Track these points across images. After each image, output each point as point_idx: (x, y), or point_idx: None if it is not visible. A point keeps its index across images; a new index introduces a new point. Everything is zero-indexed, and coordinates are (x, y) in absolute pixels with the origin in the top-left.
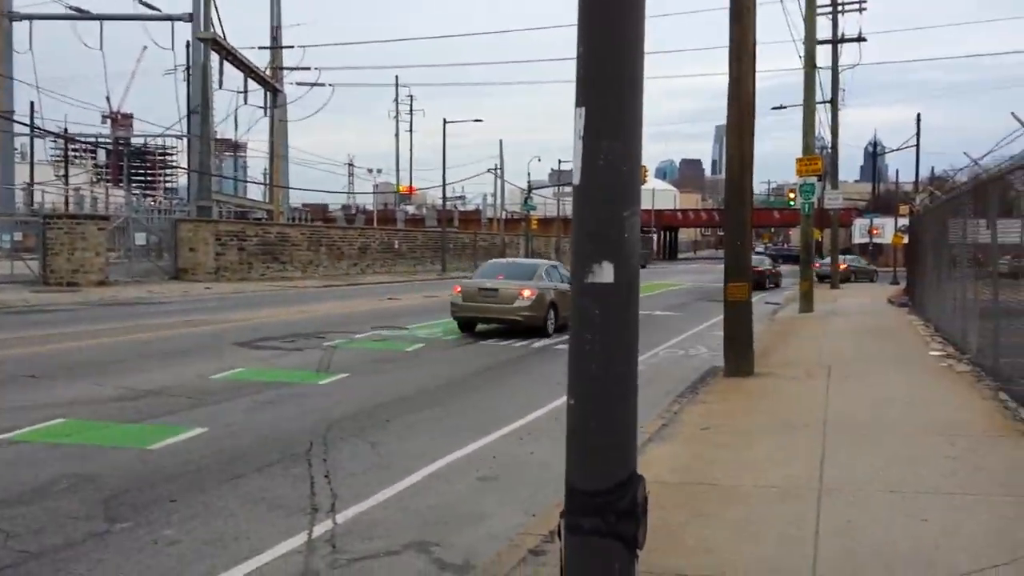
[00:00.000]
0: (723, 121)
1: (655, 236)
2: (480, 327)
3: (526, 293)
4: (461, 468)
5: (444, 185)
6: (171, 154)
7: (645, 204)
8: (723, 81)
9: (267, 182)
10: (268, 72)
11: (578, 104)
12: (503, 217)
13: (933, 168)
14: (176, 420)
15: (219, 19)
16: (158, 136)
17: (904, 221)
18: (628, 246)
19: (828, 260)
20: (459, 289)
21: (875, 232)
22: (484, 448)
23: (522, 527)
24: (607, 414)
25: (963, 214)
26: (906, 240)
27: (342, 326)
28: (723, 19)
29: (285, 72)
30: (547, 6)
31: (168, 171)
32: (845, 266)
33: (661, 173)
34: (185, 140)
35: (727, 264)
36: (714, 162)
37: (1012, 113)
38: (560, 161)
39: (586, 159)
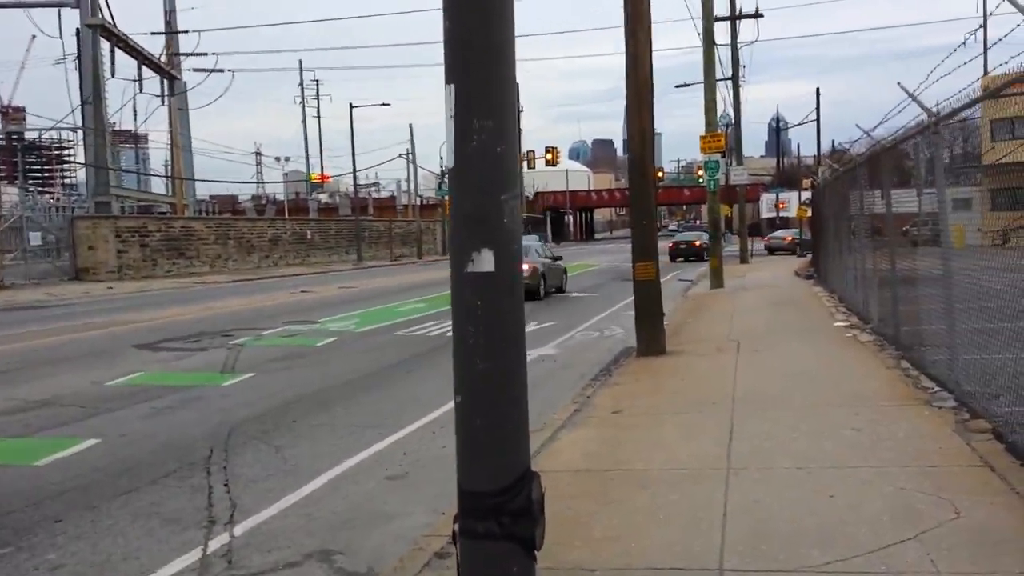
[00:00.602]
0: None
1: (570, 218)
2: None
3: (524, 267)
4: (370, 467)
5: (355, 172)
6: (67, 148)
7: (559, 186)
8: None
9: (168, 174)
10: (164, 59)
11: (448, 81)
12: (419, 203)
13: (834, 141)
14: (68, 432)
15: (108, 5)
16: (50, 129)
17: (807, 194)
18: (508, 231)
19: (778, 233)
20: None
21: (781, 206)
22: (395, 444)
23: (429, 527)
24: (495, 410)
25: (859, 185)
26: (810, 213)
27: (251, 323)
28: None
29: (182, 59)
30: None
31: (65, 166)
32: (791, 239)
33: (574, 154)
34: (80, 133)
35: (634, 244)
36: (625, 141)
37: (899, 83)
38: None
39: (458, 140)
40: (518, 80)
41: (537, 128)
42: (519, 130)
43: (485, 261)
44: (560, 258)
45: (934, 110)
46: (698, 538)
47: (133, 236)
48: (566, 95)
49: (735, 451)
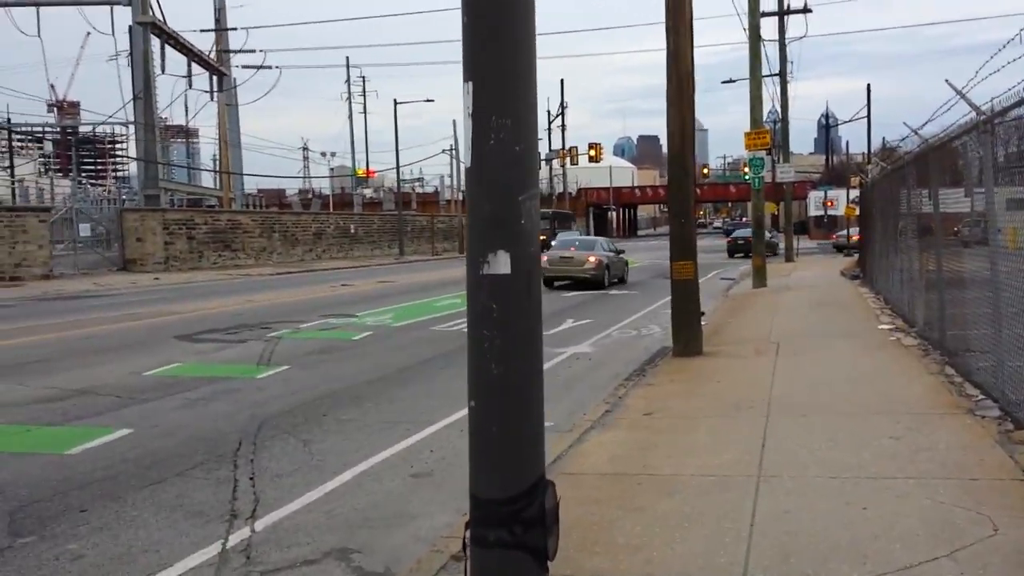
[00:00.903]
0: None
1: (614, 214)
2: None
3: (592, 259)
4: (396, 464)
5: (398, 167)
6: (120, 142)
7: (603, 182)
8: (696, 52)
9: (216, 168)
10: (213, 56)
11: (465, 79)
12: (461, 198)
13: (884, 139)
14: (101, 421)
15: (159, 3)
16: (102, 123)
17: (856, 193)
18: (526, 233)
19: (844, 232)
20: (545, 257)
21: (830, 204)
22: (422, 441)
23: (449, 528)
24: (509, 416)
25: (907, 184)
26: (858, 212)
27: (290, 315)
28: None
29: (231, 56)
30: None
31: (117, 160)
32: (859, 236)
33: (619, 150)
34: (131, 127)
35: (672, 242)
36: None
37: (946, 80)
38: None
39: (476, 139)
40: (563, 76)
41: (582, 124)
42: (562, 127)
43: (501, 263)
44: (622, 251)
45: (984, 107)
46: (723, 550)
47: (180, 228)
48: (611, 91)
49: (767, 458)
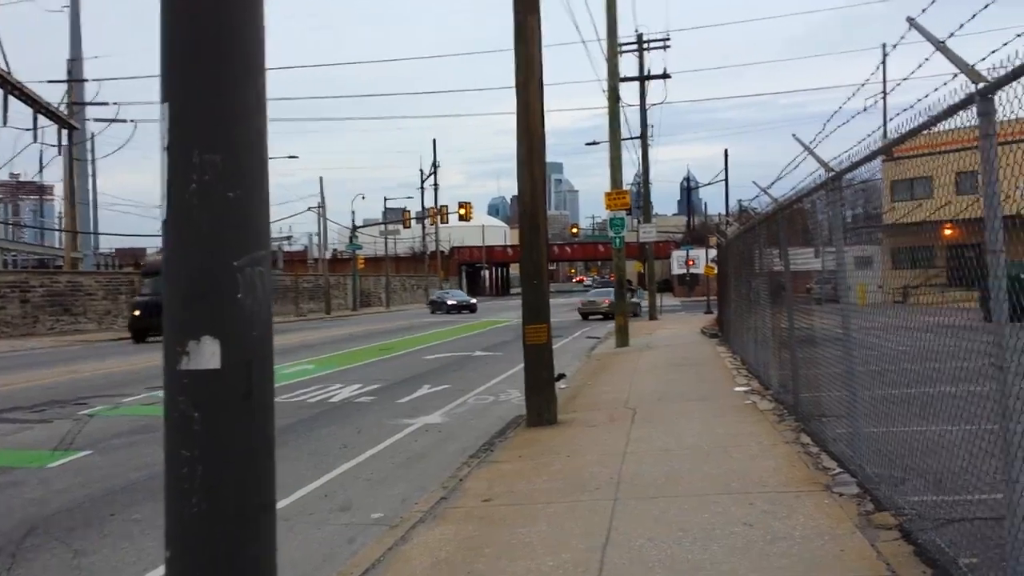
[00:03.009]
0: (557, 158)
1: (486, 272)
2: None
3: (607, 301)
4: None
5: None
6: None
7: (477, 240)
8: (558, 118)
9: (61, 227)
10: (63, 108)
11: (163, 99)
12: (328, 257)
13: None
14: None
15: (2, 52)
16: None
17: (715, 252)
18: (246, 311)
19: (592, 295)
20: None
21: (691, 263)
22: None
23: None
24: (218, 573)
25: (758, 243)
26: (716, 271)
27: (115, 388)
28: (556, 57)
29: (86, 109)
30: (372, 44)
31: None
32: (607, 301)
33: (494, 210)
34: None
35: (524, 304)
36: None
37: (793, 135)
38: (386, 199)
39: (173, 180)
40: (435, 136)
41: (458, 184)
42: (435, 185)
43: (206, 354)
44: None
45: (832, 164)
46: None
47: (12, 292)
48: (485, 153)
49: (609, 559)
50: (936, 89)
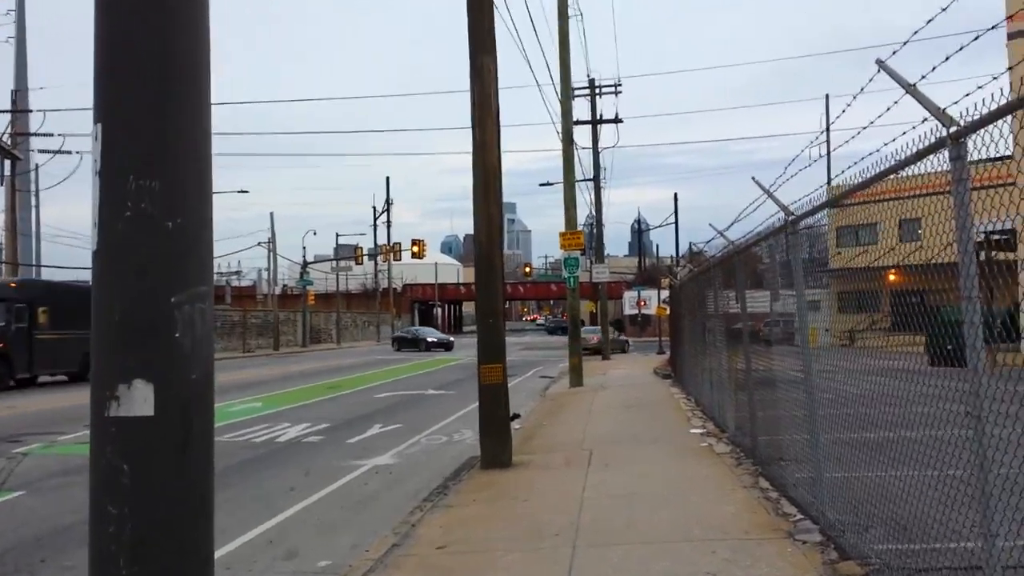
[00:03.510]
0: (511, 197)
1: (439, 310)
2: None
3: (596, 338)
4: None
5: None
6: None
7: (428, 278)
8: (513, 158)
9: (2, 259)
10: (7, 138)
11: (95, 119)
12: (278, 292)
13: (691, 243)
14: None
15: None
16: None
17: (666, 294)
18: (184, 351)
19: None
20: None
21: (642, 304)
22: None
23: None
24: None
25: (713, 286)
26: (668, 312)
27: (53, 425)
28: (511, 98)
29: (31, 139)
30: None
31: None
32: (597, 339)
33: (447, 248)
34: None
35: (480, 343)
36: None
37: (753, 178)
38: (338, 235)
39: (106, 207)
40: (390, 173)
41: (412, 223)
42: (387, 223)
43: (139, 399)
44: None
45: (792, 208)
46: None
47: None
48: (439, 191)
49: None
50: (904, 133)
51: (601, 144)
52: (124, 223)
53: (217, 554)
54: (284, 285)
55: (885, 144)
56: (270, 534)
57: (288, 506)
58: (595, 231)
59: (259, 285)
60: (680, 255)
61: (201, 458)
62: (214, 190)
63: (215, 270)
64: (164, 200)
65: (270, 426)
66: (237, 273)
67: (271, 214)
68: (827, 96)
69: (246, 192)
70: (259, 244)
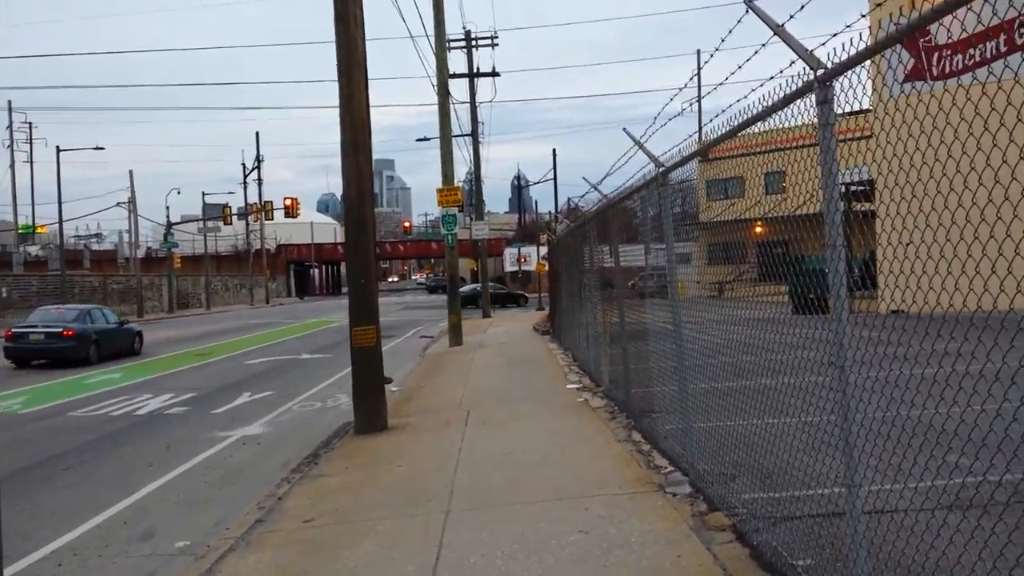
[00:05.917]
0: (389, 154)
1: (316, 271)
2: None
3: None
4: None
5: (61, 221)
6: None
7: (304, 238)
8: (389, 113)
9: None
10: None
11: None
12: (141, 256)
13: (568, 199)
14: None
15: None
16: None
17: (545, 250)
18: None
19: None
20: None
21: (523, 260)
22: None
23: None
24: None
25: (588, 240)
26: (547, 268)
27: None
28: (384, 51)
29: None
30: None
31: None
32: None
33: (324, 206)
34: None
35: (351, 305)
36: (376, 194)
37: (624, 129)
38: (204, 194)
39: None
40: (262, 129)
41: (286, 180)
42: (258, 180)
43: None
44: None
45: (662, 159)
46: None
47: None
48: (315, 148)
49: None
50: (771, 78)
51: (479, 99)
52: None
53: (66, 538)
54: (148, 248)
55: (753, 90)
56: (126, 514)
57: (146, 483)
58: (474, 187)
59: (120, 248)
60: (558, 211)
61: None
62: (66, 147)
63: (73, 232)
64: None
65: (130, 398)
66: (96, 236)
67: (130, 172)
68: (698, 51)
69: (102, 149)
70: (118, 204)
